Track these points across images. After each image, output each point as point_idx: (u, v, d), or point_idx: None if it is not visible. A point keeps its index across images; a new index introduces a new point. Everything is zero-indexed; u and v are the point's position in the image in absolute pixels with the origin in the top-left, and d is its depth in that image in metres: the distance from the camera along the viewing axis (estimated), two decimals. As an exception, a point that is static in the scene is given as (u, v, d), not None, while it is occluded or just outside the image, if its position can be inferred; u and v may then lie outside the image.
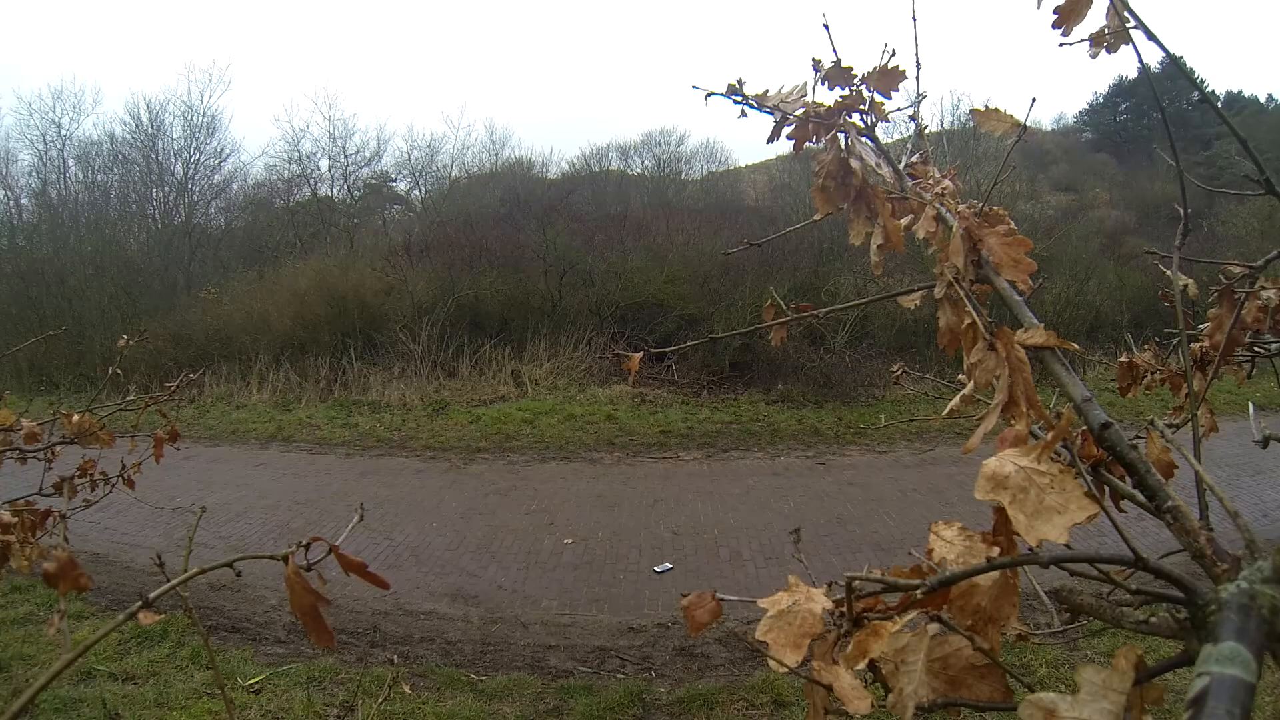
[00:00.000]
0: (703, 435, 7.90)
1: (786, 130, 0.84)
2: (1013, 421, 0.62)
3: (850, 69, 0.83)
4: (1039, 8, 0.76)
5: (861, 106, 0.83)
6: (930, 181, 0.82)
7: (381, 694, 1.75)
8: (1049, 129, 28.67)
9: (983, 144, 14.28)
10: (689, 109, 40.35)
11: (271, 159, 18.14)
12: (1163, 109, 1.04)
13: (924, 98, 0.91)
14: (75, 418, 1.65)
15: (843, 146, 0.81)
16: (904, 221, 0.82)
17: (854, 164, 0.80)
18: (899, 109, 0.88)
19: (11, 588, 4.28)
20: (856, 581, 0.59)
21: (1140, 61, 0.75)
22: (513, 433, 8.12)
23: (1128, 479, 0.60)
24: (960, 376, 0.80)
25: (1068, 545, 0.54)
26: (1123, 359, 1.46)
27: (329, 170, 17.73)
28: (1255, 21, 47.39)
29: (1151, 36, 0.73)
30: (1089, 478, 0.56)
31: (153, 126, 16.63)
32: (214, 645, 3.75)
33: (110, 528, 5.36)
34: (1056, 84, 41.43)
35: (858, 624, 0.60)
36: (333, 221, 16.68)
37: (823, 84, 0.83)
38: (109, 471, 1.80)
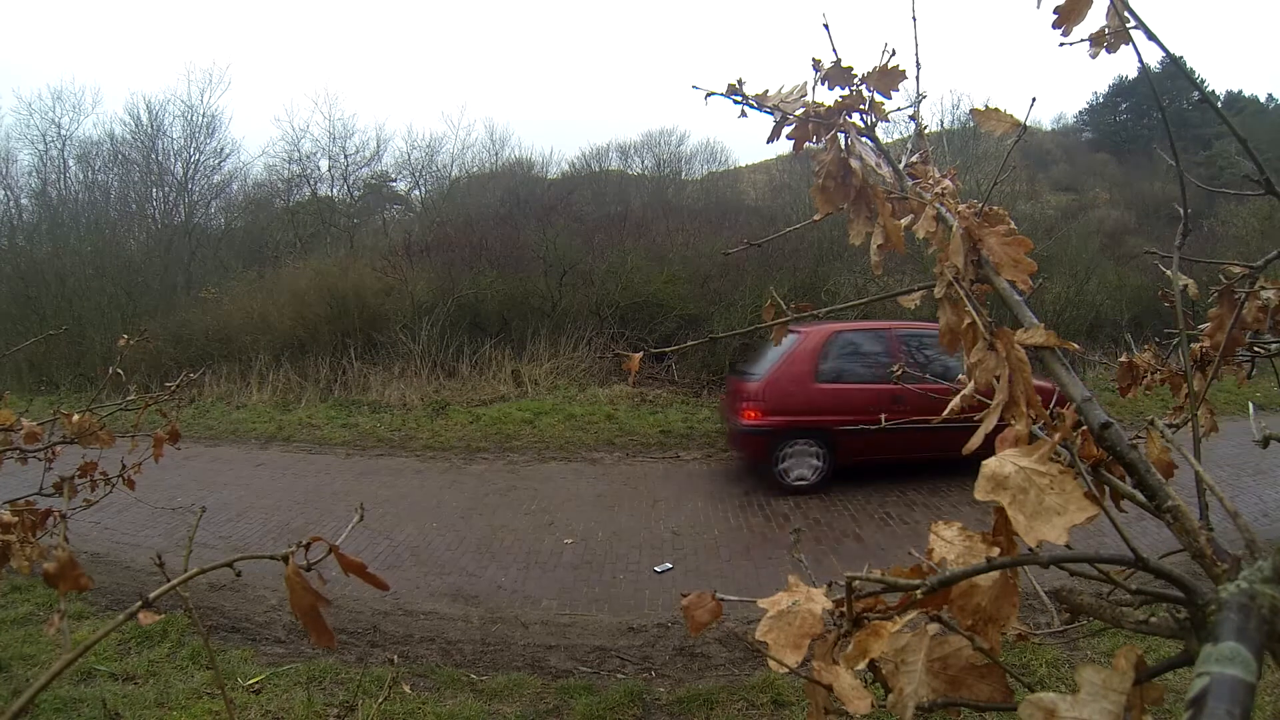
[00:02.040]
0: (703, 435, 7.90)
1: (786, 130, 0.84)
2: (1013, 421, 0.62)
3: (850, 69, 0.83)
4: (1039, 7, 0.76)
5: (861, 106, 0.83)
6: (930, 181, 0.82)
7: (381, 694, 1.75)
8: (1049, 129, 28.68)
9: (983, 144, 14.29)
10: (689, 109, 40.33)
11: (271, 159, 18.18)
12: (1163, 109, 1.04)
13: (924, 98, 0.91)
14: (75, 418, 1.65)
15: (843, 146, 0.81)
16: (904, 221, 0.82)
17: (854, 164, 0.80)
18: (899, 109, 0.88)
19: (11, 588, 4.28)
20: (856, 581, 0.59)
21: (1140, 61, 0.75)
22: (513, 433, 8.12)
23: (1128, 479, 0.60)
24: (960, 376, 0.80)
25: (1068, 545, 0.54)
26: (1123, 359, 1.46)
27: (329, 170, 17.75)
28: (1255, 21, 47.39)
29: (1151, 36, 0.73)
30: (1089, 478, 0.56)
31: (153, 126, 16.66)
32: (214, 645, 3.75)
33: (110, 528, 5.36)
34: (1056, 84, 41.42)
35: (858, 624, 0.60)
36: (333, 221, 16.69)
37: (823, 84, 0.83)
38: (109, 471, 1.80)
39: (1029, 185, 18.56)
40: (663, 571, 4.59)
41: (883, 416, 5.48)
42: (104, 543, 5.16)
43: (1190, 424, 0.79)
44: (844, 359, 6.24)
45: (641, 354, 0.99)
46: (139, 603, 0.58)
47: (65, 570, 0.83)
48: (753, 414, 6.06)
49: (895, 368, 1.85)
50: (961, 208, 0.75)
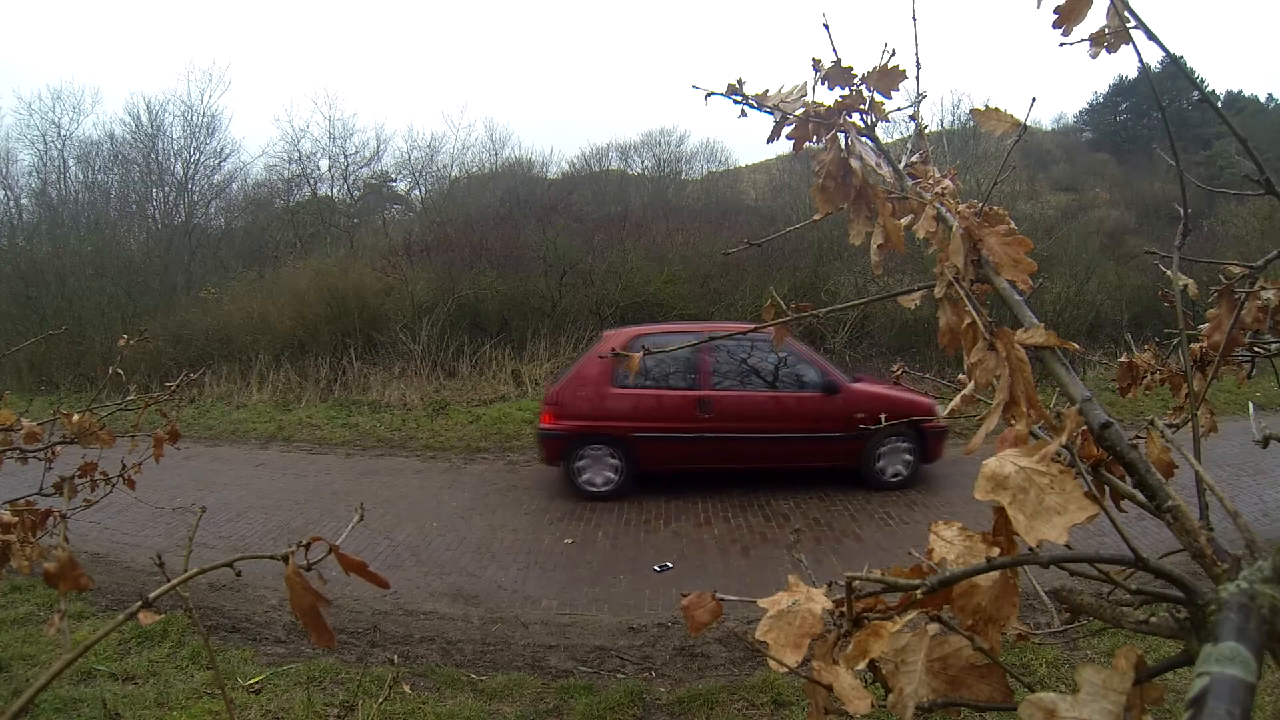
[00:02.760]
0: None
1: (786, 130, 0.84)
2: (1013, 421, 0.62)
3: (850, 69, 0.83)
4: (1039, 8, 0.76)
5: (861, 106, 0.83)
6: (930, 181, 0.82)
7: (381, 694, 1.75)
8: (1049, 129, 28.65)
9: (983, 144, 14.29)
10: (689, 109, 40.27)
11: (271, 159, 18.18)
12: (1163, 109, 1.04)
13: (924, 97, 0.91)
14: (75, 418, 1.65)
15: (843, 146, 0.81)
16: (904, 221, 0.82)
17: (854, 164, 0.80)
18: (899, 109, 0.88)
19: (11, 588, 4.28)
20: (856, 581, 0.59)
21: (1140, 61, 0.75)
22: (513, 433, 8.11)
23: (1128, 479, 0.60)
24: (960, 376, 0.80)
25: (1068, 545, 0.54)
26: (1123, 359, 1.46)
27: (329, 170, 17.75)
28: (1255, 21, 47.35)
29: (1151, 36, 0.73)
30: (1089, 478, 0.56)
31: (153, 126, 16.66)
32: (214, 645, 3.75)
33: (110, 528, 5.36)
34: (1056, 84, 41.36)
35: (858, 624, 0.60)
36: (333, 221, 16.69)
37: (823, 84, 0.83)
38: (109, 471, 1.80)
39: (1029, 185, 18.56)
40: (662, 570, 4.59)
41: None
42: (104, 543, 5.16)
43: (1190, 424, 0.79)
44: (645, 363, 5.94)
45: (641, 354, 0.99)
46: (139, 603, 0.58)
47: (65, 570, 0.83)
48: (547, 417, 5.94)
49: (895, 368, 1.78)
50: (961, 208, 0.75)
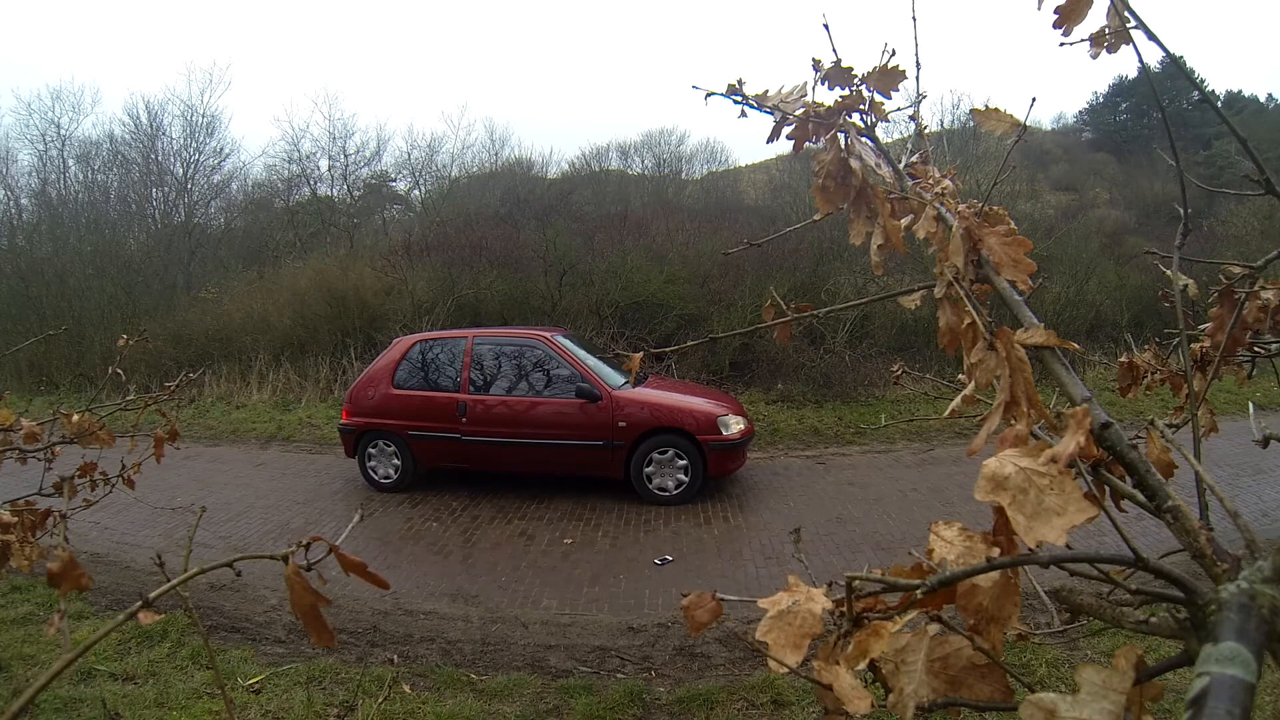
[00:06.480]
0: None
1: (786, 130, 0.84)
2: (1014, 421, 0.62)
3: (850, 69, 0.83)
4: (1040, 9, 0.76)
5: (861, 106, 0.83)
6: (930, 181, 0.82)
7: (381, 694, 1.76)
8: (1049, 129, 28.69)
9: (983, 144, 14.29)
10: (689, 109, 40.37)
11: (271, 159, 18.24)
12: (1163, 109, 1.04)
13: (924, 98, 0.91)
14: (75, 418, 1.65)
15: (843, 146, 0.81)
16: (904, 221, 0.82)
17: (854, 164, 0.80)
18: (899, 109, 0.88)
19: (11, 588, 4.28)
20: (856, 581, 0.59)
21: (1140, 61, 0.75)
22: (513, 433, 8.10)
23: (1128, 479, 0.60)
24: (960, 376, 0.80)
25: (1067, 545, 0.54)
26: (1123, 359, 1.46)
27: (329, 170, 17.79)
28: (1255, 21, 47.35)
29: (1152, 36, 0.73)
30: (1089, 478, 0.56)
31: (152, 126, 16.68)
32: (214, 645, 3.75)
33: (110, 528, 5.36)
34: (1056, 84, 41.44)
35: (858, 624, 0.60)
36: (333, 221, 16.70)
37: (823, 84, 0.83)
38: (109, 471, 1.80)
39: (1029, 185, 18.53)
40: (662, 563, 4.59)
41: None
42: (104, 543, 5.16)
43: (1190, 424, 0.79)
44: (421, 366, 6.39)
45: (642, 354, 0.99)
46: (139, 603, 0.58)
47: (66, 570, 0.83)
48: (344, 413, 6.46)
49: (895, 368, 1.77)
50: (961, 208, 0.75)
